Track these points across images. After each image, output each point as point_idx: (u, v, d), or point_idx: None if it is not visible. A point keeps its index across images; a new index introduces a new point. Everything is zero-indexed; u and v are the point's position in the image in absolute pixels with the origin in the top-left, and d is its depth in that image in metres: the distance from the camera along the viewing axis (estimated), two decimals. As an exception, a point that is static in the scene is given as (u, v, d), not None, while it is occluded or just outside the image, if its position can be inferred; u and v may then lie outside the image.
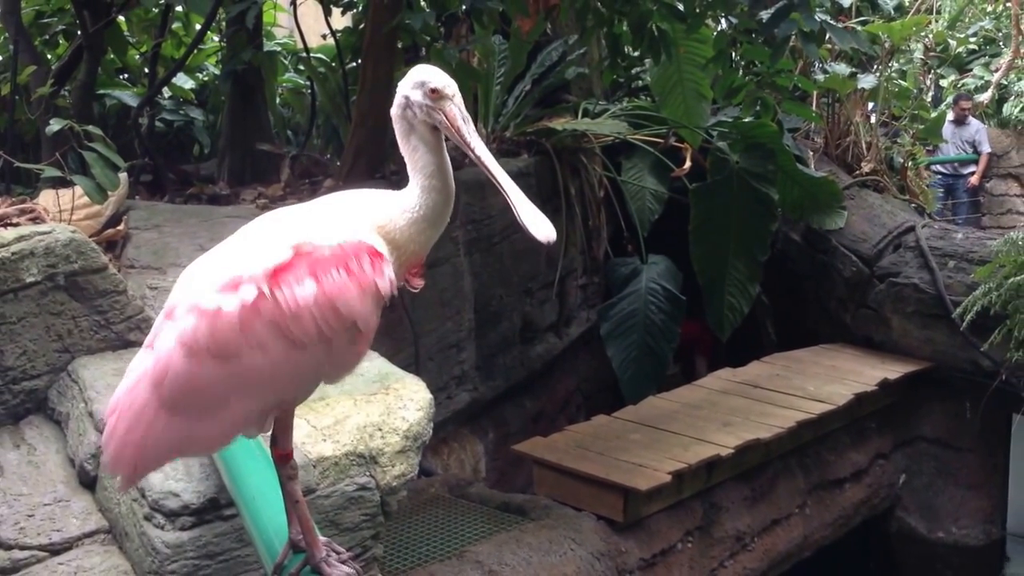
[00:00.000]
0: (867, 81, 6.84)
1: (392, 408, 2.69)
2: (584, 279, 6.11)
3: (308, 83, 6.30)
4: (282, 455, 1.69)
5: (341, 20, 6.22)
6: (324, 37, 5.98)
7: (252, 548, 2.17)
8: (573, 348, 6.02)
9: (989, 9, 11.86)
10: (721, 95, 6.22)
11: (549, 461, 4.44)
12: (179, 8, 5.88)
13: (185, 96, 6.32)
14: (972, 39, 11.63)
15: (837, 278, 6.26)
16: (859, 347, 6.16)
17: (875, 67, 7.20)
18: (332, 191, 1.73)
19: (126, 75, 6.36)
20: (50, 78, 4.72)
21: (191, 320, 1.52)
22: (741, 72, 6.37)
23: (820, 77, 6.72)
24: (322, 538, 1.78)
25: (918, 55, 9.26)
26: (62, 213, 3.65)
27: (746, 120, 5.85)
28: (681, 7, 4.81)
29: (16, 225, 3.38)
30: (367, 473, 2.55)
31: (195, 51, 5.83)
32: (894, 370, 5.75)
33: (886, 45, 7.09)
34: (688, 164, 6.03)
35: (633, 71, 7.30)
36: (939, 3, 11.06)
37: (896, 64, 7.87)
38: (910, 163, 7.27)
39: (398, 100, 1.62)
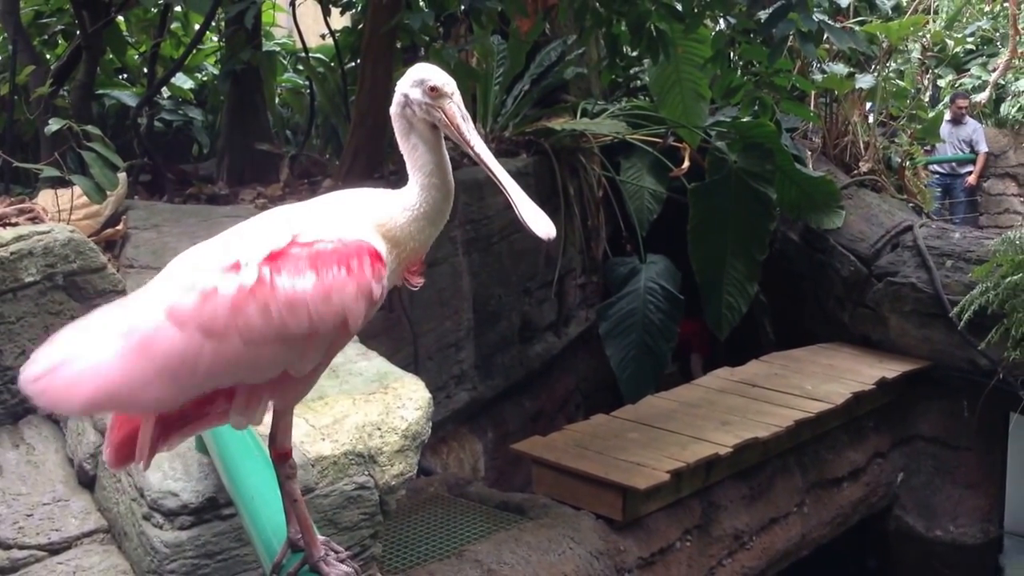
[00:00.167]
0: (865, 81, 6.85)
1: (391, 407, 2.70)
2: (583, 278, 6.12)
3: (307, 83, 6.30)
4: (281, 454, 1.69)
5: (340, 20, 6.23)
6: (323, 37, 5.98)
7: (251, 547, 2.18)
8: (572, 347, 6.03)
9: (987, 9, 11.87)
10: (719, 95, 6.23)
11: (548, 460, 4.45)
12: (178, 8, 5.88)
13: (184, 96, 6.31)
14: (970, 39, 11.64)
15: (835, 277, 6.27)
16: (857, 346, 6.17)
17: (873, 67, 7.21)
18: (331, 191, 1.73)
19: (125, 75, 6.36)
20: (49, 78, 4.71)
21: (185, 294, 1.50)
22: (739, 72, 6.38)
23: (818, 77, 6.73)
24: (321, 537, 1.78)
25: (916, 55, 9.27)
26: (61, 213, 3.66)
27: (744, 120, 5.86)
28: (679, 7, 4.82)
29: (15, 225, 3.39)
30: (366, 472, 2.55)
31: (194, 51, 5.82)
32: (892, 369, 5.76)
33: (884, 45, 7.11)
34: (686, 164, 6.04)
35: (632, 71, 7.31)
36: (937, 3, 11.06)
37: (894, 64, 7.88)
38: (908, 163, 7.28)
39: (397, 98, 1.62)
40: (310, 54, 6.02)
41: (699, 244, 5.98)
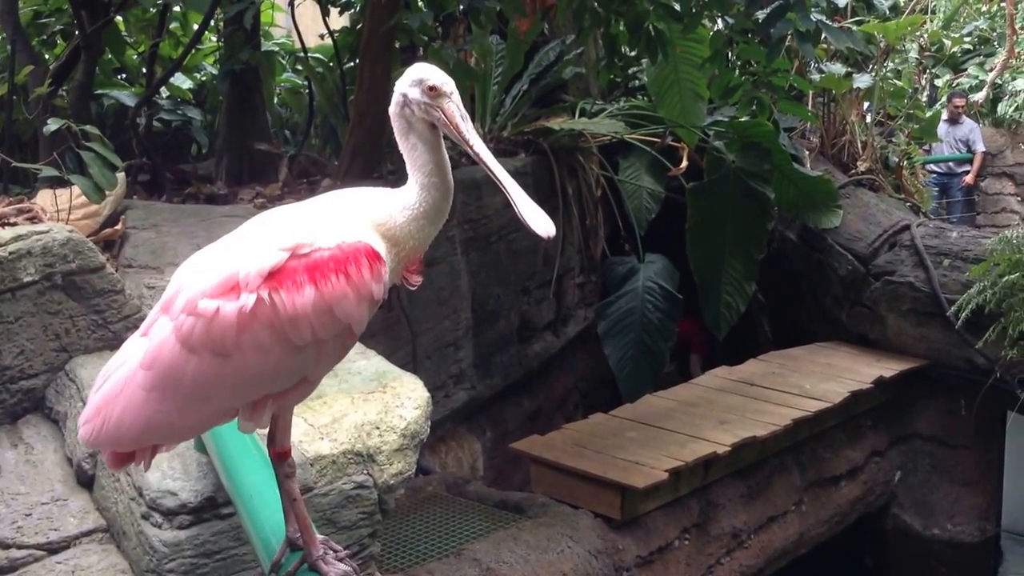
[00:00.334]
0: (863, 81, 6.85)
1: (390, 406, 2.70)
2: (581, 278, 6.12)
3: (306, 83, 6.30)
4: (280, 453, 1.70)
5: (339, 20, 6.23)
6: (322, 37, 5.98)
7: (249, 546, 2.18)
8: (570, 347, 6.04)
9: (984, 9, 11.88)
10: (717, 95, 6.23)
11: (546, 459, 4.45)
12: (177, 8, 5.88)
13: (183, 96, 6.31)
14: (967, 39, 11.66)
15: (833, 276, 6.28)
16: (855, 345, 6.17)
17: (871, 67, 7.22)
18: (330, 190, 1.74)
19: (124, 75, 6.35)
20: (48, 78, 4.71)
21: (189, 319, 1.54)
22: (737, 72, 6.37)
23: (816, 77, 6.73)
24: (319, 536, 1.78)
25: (913, 55, 9.28)
26: (60, 213, 3.66)
27: (742, 119, 5.86)
28: (678, 7, 4.82)
29: (14, 225, 3.39)
30: (365, 471, 2.55)
31: (193, 51, 5.82)
32: (889, 368, 5.77)
33: (881, 45, 7.11)
34: (685, 163, 6.05)
35: (630, 71, 7.31)
36: (934, 3, 11.09)
37: (891, 64, 7.88)
38: (905, 162, 7.28)
39: (396, 98, 1.62)
40: (309, 54, 6.01)
41: (697, 243, 5.99)
